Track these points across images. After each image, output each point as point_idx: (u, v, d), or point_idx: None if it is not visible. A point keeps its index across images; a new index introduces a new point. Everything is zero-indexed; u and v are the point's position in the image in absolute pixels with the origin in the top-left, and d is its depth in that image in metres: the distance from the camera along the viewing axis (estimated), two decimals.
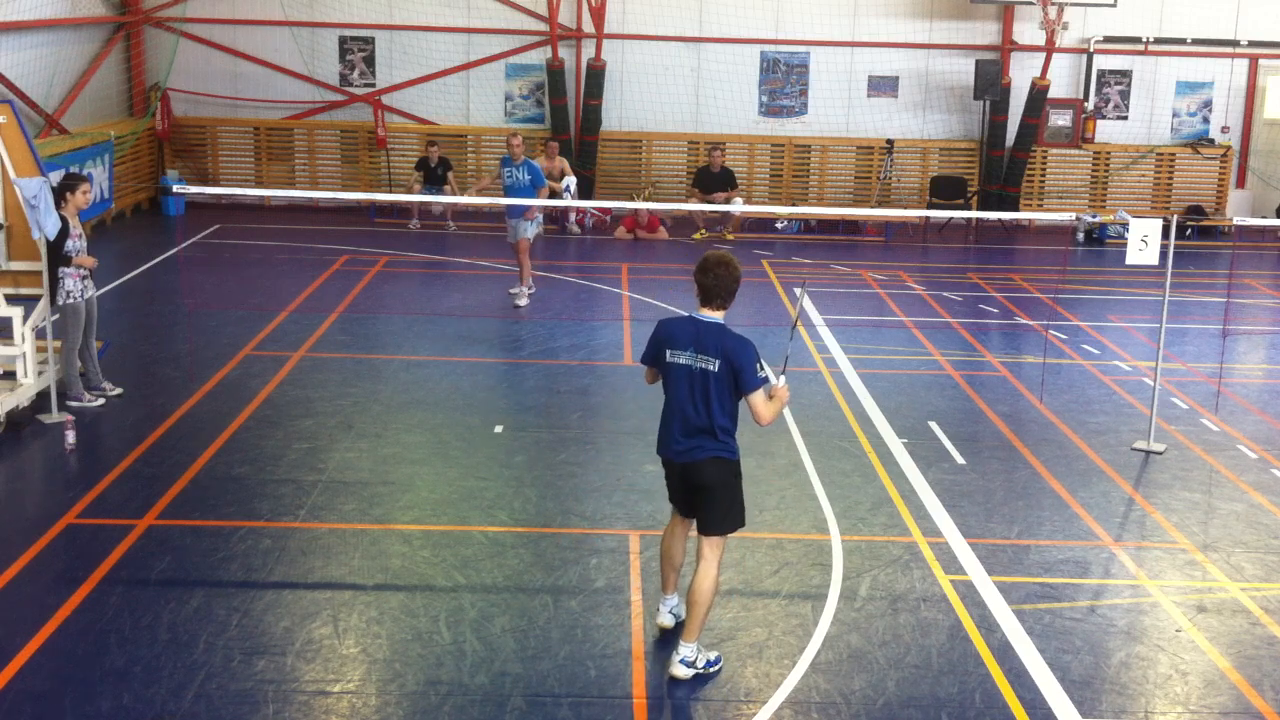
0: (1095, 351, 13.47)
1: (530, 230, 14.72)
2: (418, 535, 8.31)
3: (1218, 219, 21.48)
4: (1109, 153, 21.81)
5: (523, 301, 14.72)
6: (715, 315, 6.53)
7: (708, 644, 6.80)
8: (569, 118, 20.92)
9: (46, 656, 6.61)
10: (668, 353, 6.56)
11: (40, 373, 10.46)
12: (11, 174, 10.23)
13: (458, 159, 20.93)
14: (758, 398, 6.47)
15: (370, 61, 21.28)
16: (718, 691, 6.49)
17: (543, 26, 20.87)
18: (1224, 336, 13.88)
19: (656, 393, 6.86)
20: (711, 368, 6.44)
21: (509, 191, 14.71)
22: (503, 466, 9.64)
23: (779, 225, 20.70)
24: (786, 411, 11.05)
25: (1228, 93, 21.65)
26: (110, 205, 18.85)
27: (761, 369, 6.53)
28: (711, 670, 6.64)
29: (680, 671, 6.55)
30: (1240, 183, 21.98)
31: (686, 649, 6.58)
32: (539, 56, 21.13)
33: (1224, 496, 9.47)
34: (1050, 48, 20.50)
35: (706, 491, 6.61)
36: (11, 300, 10.47)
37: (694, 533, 6.83)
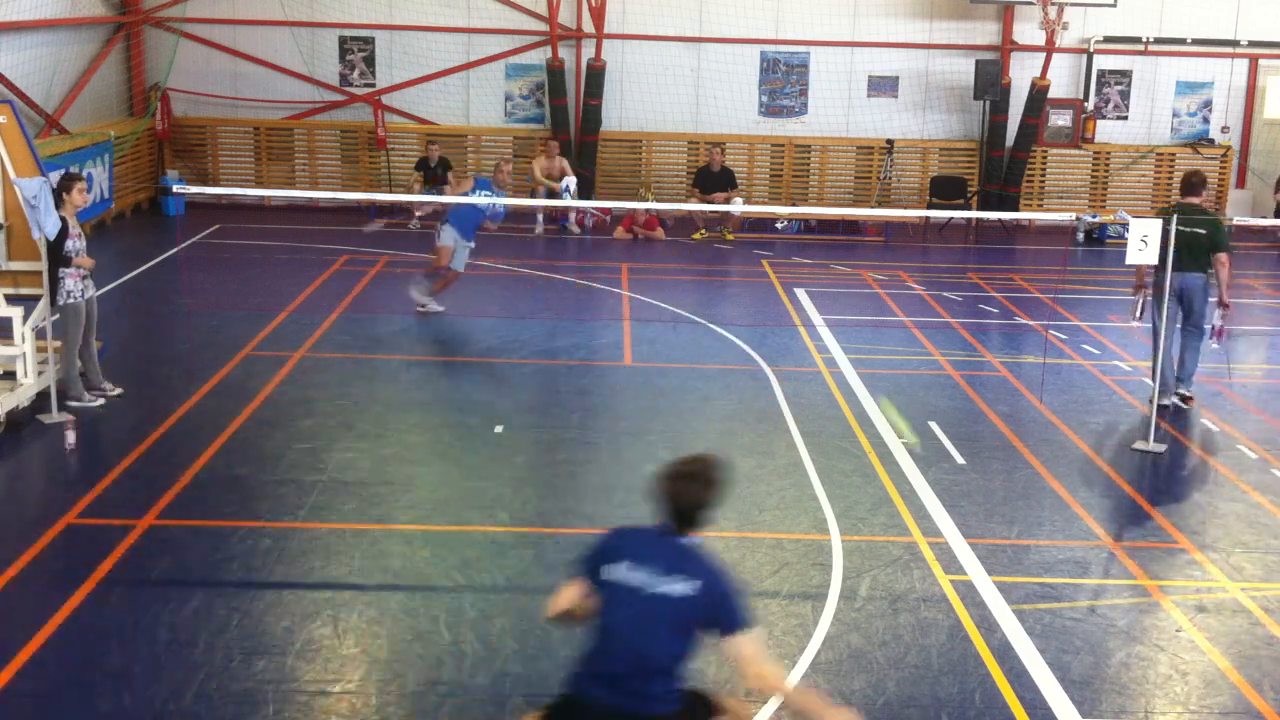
0: (1095, 351, 13.47)
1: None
2: (418, 535, 8.31)
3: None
4: (1109, 153, 21.80)
5: (435, 306, 14.33)
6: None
7: None
8: (569, 118, 20.92)
9: (46, 656, 6.61)
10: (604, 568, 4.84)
11: (40, 373, 10.45)
12: (11, 174, 10.22)
13: (458, 159, 20.92)
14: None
15: (370, 61, 21.27)
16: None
17: (543, 26, 20.86)
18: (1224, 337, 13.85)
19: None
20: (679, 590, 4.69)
21: (472, 216, 14.38)
22: (503, 466, 9.64)
23: (779, 225, 20.70)
24: (786, 411, 11.05)
25: (1228, 93, 21.63)
26: (110, 205, 18.84)
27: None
28: None
29: None
30: (1240, 183, 21.97)
31: None
32: (539, 56, 21.13)
33: (1224, 496, 9.47)
34: (1050, 48, 20.50)
35: None
36: (11, 300, 10.46)
37: None
